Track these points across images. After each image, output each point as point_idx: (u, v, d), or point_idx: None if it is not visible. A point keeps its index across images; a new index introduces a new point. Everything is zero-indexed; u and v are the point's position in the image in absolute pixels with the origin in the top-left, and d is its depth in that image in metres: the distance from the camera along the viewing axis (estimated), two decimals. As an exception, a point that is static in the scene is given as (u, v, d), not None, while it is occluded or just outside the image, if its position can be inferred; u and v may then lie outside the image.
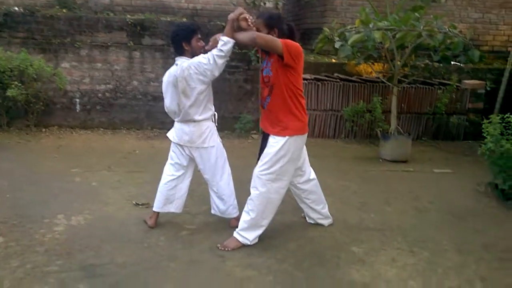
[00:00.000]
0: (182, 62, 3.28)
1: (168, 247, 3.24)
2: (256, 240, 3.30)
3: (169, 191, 3.52)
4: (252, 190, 3.24)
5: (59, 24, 6.66)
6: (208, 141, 3.41)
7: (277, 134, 3.17)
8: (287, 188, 3.35)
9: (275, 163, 3.16)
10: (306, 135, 3.31)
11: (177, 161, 3.51)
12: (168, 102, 3.42)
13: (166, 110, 3.51)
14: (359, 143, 6.84)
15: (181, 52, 3.36)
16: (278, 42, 3.04)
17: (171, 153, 3.55)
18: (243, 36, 3.13)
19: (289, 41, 3.11)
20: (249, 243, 3.26)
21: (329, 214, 3.74)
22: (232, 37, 3.16)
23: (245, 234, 3.26)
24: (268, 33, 3.16)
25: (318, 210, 3.66)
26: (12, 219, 3.55)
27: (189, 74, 3.22)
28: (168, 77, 3.37)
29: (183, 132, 3.40)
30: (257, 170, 3.23)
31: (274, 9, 7.02)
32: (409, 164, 5.76)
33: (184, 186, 3.56)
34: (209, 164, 3.45)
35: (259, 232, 3.30)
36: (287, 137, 3.15)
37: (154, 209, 3.55)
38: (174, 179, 3.52)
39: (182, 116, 3.36)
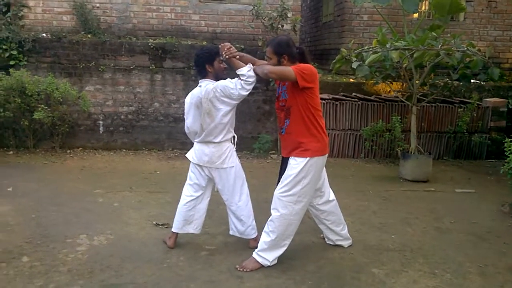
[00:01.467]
0: (206, 84, 3.35)
1: (188, 267, 3.27)
2: (276, 261, 3.30)
3: (188, 212, 3.56)
4: (272, 212, 3.25)
5: (84, 49, 6.91)
6: (227, 161, 3.45)
7: (298, 155, 3.19)
8: (306, 208, 3.35)
9: (296, 185, 3.17)
10: (326, 155, 3.31)
11: (196, 181, 3.56)
12: (190, 123, 3.48)
13: (187, 131, 3.57)
14: (379, 163, 6.79)
15: (204, 74, 3.43)
16: (290, 71, 3.08)
17: (190, 174, 3.60)
18: (257, 71, 3.26)
19: (301, 65, 3.16)
20: (268, 263, 3.26)
21: (348, 235, 3.72)
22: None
23: (265, 255, 3.26)
24: (278, 60, 3.20)
25: (337, 231, 3.64)
26: (36, 239, 3.64)
27: (215, 96, 3.30)
28: (191, 98, 3.44)
29: (203, 152, 3.45)
30: (277, 191, 3.24)
31: (291, 31, 7.13)
32: (430, 184, 5.69)
33: (202, 207, 3.60)
34: (228, 184, 3.50)
35: (279, 252, 3.29)
36: (308, 158, 3.16)
37: (173, 229, 3.59)
38: (193, 200, 3.56)
39: (204, 137, 3.41)
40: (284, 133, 3.28)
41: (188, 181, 3.61)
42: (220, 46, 3.41)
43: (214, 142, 3.41)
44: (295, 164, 3.19)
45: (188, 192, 3.59)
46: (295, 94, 3.18)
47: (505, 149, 4.58)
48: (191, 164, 3.58)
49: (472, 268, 3.41)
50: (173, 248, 3.56)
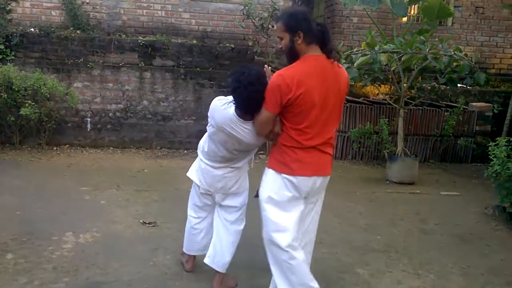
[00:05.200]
0: None
1: (174, 266, 3.27)
2: None
3: (197, 235, 3.11)
4: None
5: (72, 45, 6.85)
6: (243, 185, 2.97)
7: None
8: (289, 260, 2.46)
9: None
10: (292, 177, 2.47)
11: (202, 204, 3.05)
12: (218, 140, 2.77)
13: (205, 149, 2.89)
14: (366, 164, 6.85)
15: None
16: (263, 112, 2.45)
17: (194, 196, 3.08)
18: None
19: (266, 95, 2.43)
20: None
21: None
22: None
23: None
24: (292, 39, 2.40)
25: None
26: (21, 236, 3.60)
27: None
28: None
29: (215, 178, 2.87)
30: None
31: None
32: (416, 186, 5.76)
33: (208, 224, 3.11)
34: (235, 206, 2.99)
35: None
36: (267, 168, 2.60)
37: (185, 251, 3.20)
38: (200, 221, 3.09)
39: (226, 160, 2.82)
40: None
41: (192, 201, 3.10)
42: None
43: (235, 167, 2.87)
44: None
45: (194, 214, 3.10)
46: None
47: (489, 153, 4.66)
48: (196, 186, 3.03)
49: (455, 269, 3.47)
50: (192, 271, 3.18)
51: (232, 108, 2.58)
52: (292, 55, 2.45)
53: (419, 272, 3.39)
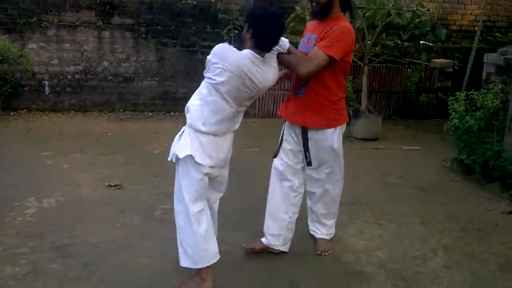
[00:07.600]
0: None
1: (142, 226, 3.27)
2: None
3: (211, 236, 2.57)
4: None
5: (24, 3, 6.43)
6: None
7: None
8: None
9: None
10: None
11: (203, 190, 2.53)
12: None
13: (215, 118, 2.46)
14: (332, 122, 6.93)
15: None
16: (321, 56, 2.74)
17: (194, 183, 2.47)
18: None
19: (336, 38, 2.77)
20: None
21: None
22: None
23: None
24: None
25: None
26: (-19, 203, 3.50)
27: None
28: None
29: (220, 148, 2.51)
30: None
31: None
32: (379, 142, 5.90)
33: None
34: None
35: None
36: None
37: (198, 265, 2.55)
38: (206, 215, 2.58)
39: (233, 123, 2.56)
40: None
41: (192, 193, 2.48)
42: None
43: (234, 130, 2.60)
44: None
45: (197, 207, 2.49)
46: None
47: (448, 107, 4.80)
48: (194, 169, 2.44)
49: (415, 218, 3.64)
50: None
51: (245, 50, 2.43)
52: (327, 11, 2.76)
53: (381, 222, 3.53)
